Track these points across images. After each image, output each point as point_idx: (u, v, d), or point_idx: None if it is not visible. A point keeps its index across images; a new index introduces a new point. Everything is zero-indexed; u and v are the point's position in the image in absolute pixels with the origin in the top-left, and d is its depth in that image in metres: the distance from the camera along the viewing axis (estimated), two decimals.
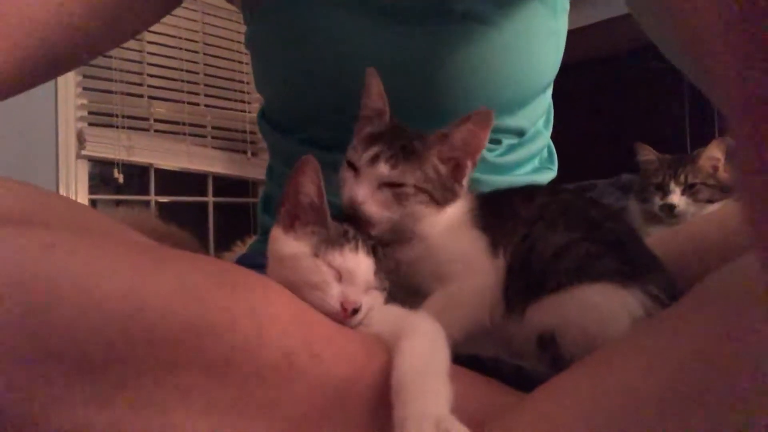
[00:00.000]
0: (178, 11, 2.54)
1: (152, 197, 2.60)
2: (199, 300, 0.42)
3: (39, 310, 0.38)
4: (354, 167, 0.59)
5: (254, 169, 2.81)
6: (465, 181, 0.61)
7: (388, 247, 0.57)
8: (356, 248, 0.53)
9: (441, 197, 0.59)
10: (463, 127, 0.58)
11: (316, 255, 0.52)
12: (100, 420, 0.38)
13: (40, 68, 0.68)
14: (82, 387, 0.38)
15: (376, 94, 0.63)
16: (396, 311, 0.54)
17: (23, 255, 0.39)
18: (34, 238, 0.40)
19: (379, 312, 0.53)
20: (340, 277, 0.52)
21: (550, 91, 0.88)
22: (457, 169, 0.60)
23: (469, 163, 0.60)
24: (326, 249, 0.52)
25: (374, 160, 0.58)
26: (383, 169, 0.57)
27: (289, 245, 0.54)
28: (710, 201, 1.33)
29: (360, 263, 0.53)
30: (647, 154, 1.45)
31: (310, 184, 0.54)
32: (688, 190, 1.34)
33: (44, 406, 0.37)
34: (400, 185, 0.58)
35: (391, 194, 0.58)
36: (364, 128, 0.63)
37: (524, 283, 0.55)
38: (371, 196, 0.57)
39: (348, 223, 0.56)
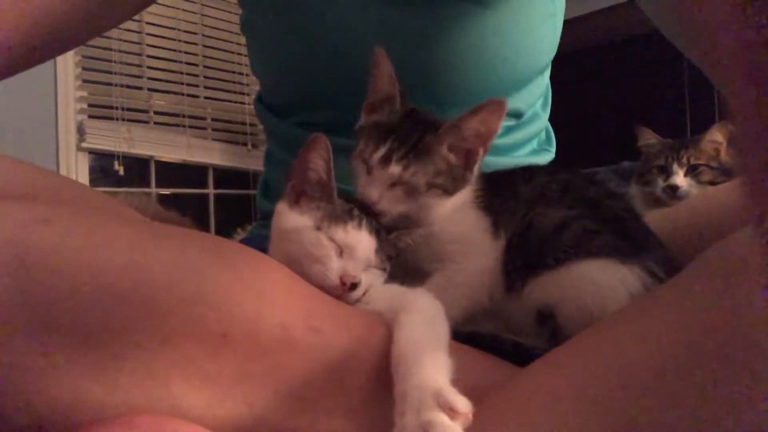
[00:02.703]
0: (177, 3, 2.56)
1: (153, 189, 2.60)
2: (197, 274, 0.42)
3: (37, 283, 0.38)
4: (365, 162, 0.59)
5: (254, 160, 2.79)
6: (476, 168, 0.61)
7: (392, 234, 0.57)
8: (359, 225, 0.53)
9: (451, 186, 0.59)
10: (475, 117, 0.58)
11: (318, 229, 0.53)
12: (99, 390, 0.38)
13: (37, 47, 0.66)
14: (80, 358, 0.38)
15: (386, 77, 0.61)
16: (395, 288, 0.54)
17: (21, 229, 0.39)
18: (32, 212, 0.40)
19: (378, 290, 0.53)
20: (341, 252, 0.52)
21: (547, 74, 0.88)
22: (468, 157, 0.60)
23: (481, 151, 0.60)
24: (329, 224, 0.53)
25: (386, 159, 0.58)
26: (395, 169, 0.57)
27: (293, 219, 0.54)
28: (713, 183, 1.31)
29: (362, 240, 0.53)
30: (649, 137, 1.44)
31: (319, 161, 0.54)
32: (691, 171, 1.33)
33: (42, 378, 0.38)
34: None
35: (403, 191, 0.58)
36: (371, 115, 0.62)
37: (523, 260, 0.56)
38: (384, 195, 0.57)
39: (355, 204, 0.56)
